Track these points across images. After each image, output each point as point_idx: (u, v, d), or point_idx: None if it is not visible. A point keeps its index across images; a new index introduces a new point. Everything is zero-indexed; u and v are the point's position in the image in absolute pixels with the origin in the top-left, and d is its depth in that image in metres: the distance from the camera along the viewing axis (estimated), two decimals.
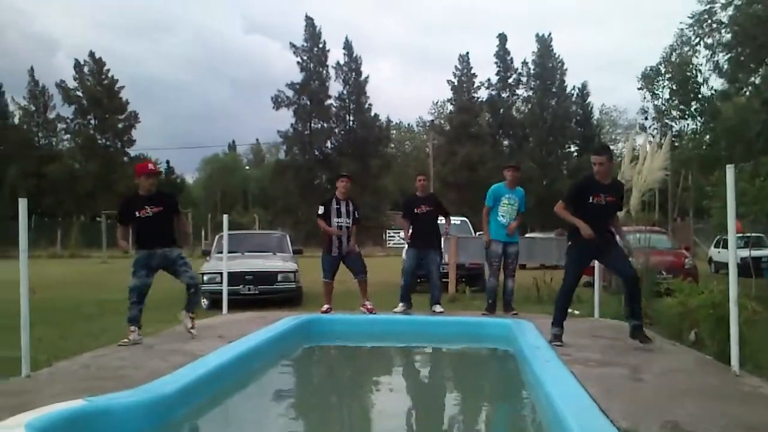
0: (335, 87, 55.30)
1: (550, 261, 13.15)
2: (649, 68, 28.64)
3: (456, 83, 57.29)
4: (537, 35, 56.95)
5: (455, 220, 15.94)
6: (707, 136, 21.45)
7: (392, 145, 66.52)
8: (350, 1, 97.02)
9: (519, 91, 57.75)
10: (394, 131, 68.44)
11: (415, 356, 7.64)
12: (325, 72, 54.95)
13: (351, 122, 55.58)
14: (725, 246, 15.28)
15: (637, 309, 6.26)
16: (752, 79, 19.65)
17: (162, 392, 4.22)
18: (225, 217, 9.57)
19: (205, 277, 11.20)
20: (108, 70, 56.16)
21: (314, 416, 5.02)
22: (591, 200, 6.17)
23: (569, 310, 9.82)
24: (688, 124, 26.09)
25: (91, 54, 56.02)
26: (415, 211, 8.87)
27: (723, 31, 21.40)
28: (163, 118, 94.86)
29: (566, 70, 56.55)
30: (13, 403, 3.95)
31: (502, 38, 56.82)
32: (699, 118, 24.73)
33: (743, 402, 4.23)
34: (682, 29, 24.38)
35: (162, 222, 6.64)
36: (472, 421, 4.89)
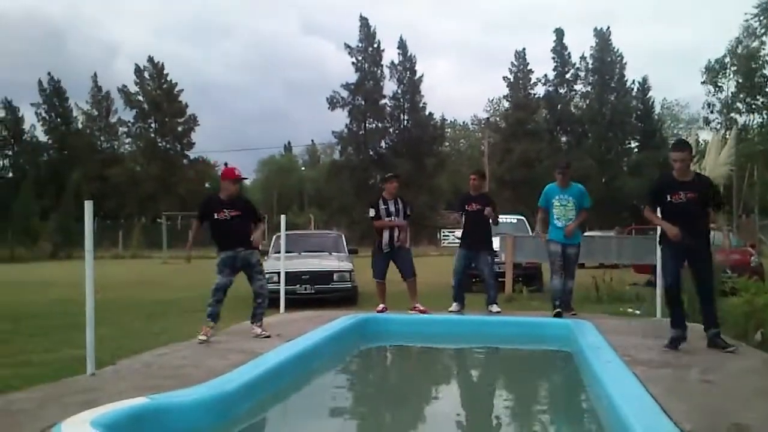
0: (390, 86, 55.50)
1: (609, 260, 12.91)
2: (713, 61, 27.91)
3: (512, 80, 56.82)
4: (595, 29, 56.06)
5: (512, 218, 15.81)
6: None
7: (447, 144, 66.36)
8: (404, 0, 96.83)
9: (577, 87, 56.97)
10: (449, 130, 68.25)
11: (472, 357, 7.57)
12: (379, 72, 55.15)
13: (405, 121, 55.61)
14: None
15: (711, 316, 5.90)
16: None
17: (222, 390, 4.27)
18: (282, 217, 9.65)
19: None
20: (167, 74, 57.69)
21: (370, 416, 5.02)
22: (670, 199, 5.86)
23: (629, 310, 9.70)
24: (754, 118, 25.34)
25: (150, 59, 57.53)
26: (466, 208, 8.76)
27: None
28: (221, 120, 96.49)
29: (626, 64, 55.55)
30: (79, 400, 4.05)
31: (560, 33, 56.09)
32: (766, 111, 23.97)
33: None
34: (748, 20, 23.68)
35: (238, 226, 6.72)
36: (531, 423, 4.81)
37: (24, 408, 4.00)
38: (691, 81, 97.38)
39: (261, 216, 7.29)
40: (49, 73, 57.67)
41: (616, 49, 55.57)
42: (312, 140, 78.81)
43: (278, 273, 9.50)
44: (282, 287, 9.04)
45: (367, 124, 55.05)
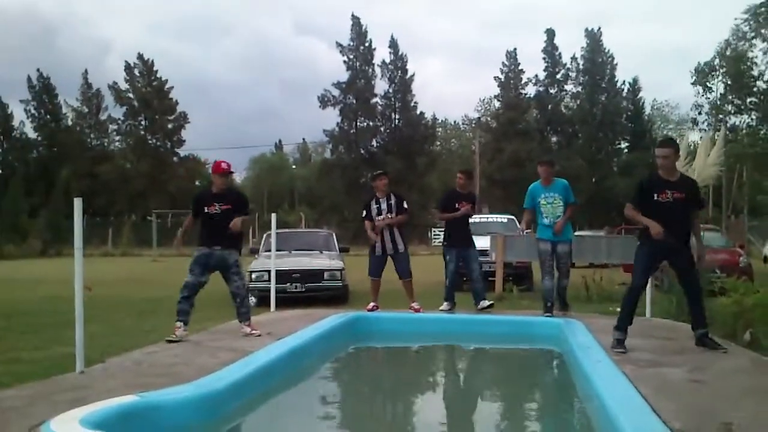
0: (381, 85, 55.46)
1: (599, 260, 12.96)
2: (702, 63, 28.10)
3: (503, 79, 56.84)
4: (586, 30, 56.14)
5: (502, 218, 15.85)
6: (763, 131, 20.92)
7: (438, 143, 66.39)
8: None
9: (568, 87, 57.03)
10: (440, 129, 68.29)
11: (463, 356, 7.59)
12: (371, 71, 55.15)
13: (397, 120, 55.59)
14: None
15: (699, 315, 5.88)
16: None
17: (212, 388, 4.27)
18: (273, 215, 9.65)
19: (254, 275, 11.34)
20: (157, 72, 57.45)
21: (360, 414, 5.03)
22: (656, 198, 5.82)
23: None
24: (743, 119, 25.53)
25: (140, 56, 57.35)
26: (456, 206, 8.77)
27: None
28: (211, 118, 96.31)
29: (616, 65, 55.65)
30: (68, 398, 4.04)
31: (550, 33, 56.17)
32: (755, 112, 24.14)
33: None
34: (738, 25, 23.86)
35: (227, 219, 6.61)
36: (521, 422, 4.83)
37: (13, 405, 3.98)
38: (682, 82, 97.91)
39: (249, 211, 7.19)
40: (38, 70, 57.45)
41: (606, 50, 55.74)
42: (303, 138, 78.78)
43: (269, 271, 9.50)
44: (272, 285, 9.04)
45: (358, 123, 55.02)
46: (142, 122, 57.32)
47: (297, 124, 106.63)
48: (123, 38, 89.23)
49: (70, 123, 58.61)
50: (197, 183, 55.28)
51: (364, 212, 8.80)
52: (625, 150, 55.85)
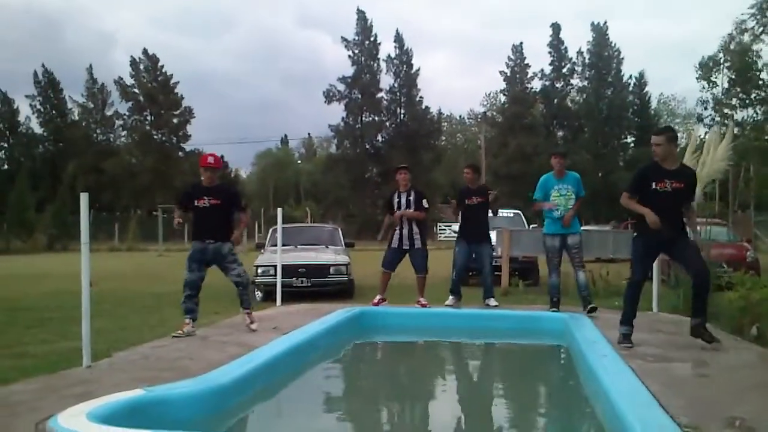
0: (386, 80, 55.58)
1: (605, 254, 12.92)
2: (706, 58, 27.97)
3: (509, 74, 56.77)
4: (592, 24, 56.11)
5: (508, 212, 15.80)
6: None
7: (443, 138, 66.33)
8: None
9: (574, 81, 57.03)
10: (446, 124, 68.19)
11: (468, 351, 7.59)
12: (376, 65, 55.18)
13: (402, 115, 55.59)
14: None
15: (700, 306, 5.77)
16: None
17: (218, 382, 4.28)
18: (279, 210, 9.67)
19: (259, 270, 11.36)
20: (162, 67, 57.52)
21: (365, 409, 5.03)
22: (655, 187, 5.74)
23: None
24: (749, 114, 25.41)
25: (145, 51, 57.41)
26: (466, 202, 8.75)
27: None
28: (217, 113, 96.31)
29: (623, 59, 55.59)
30: (75, 393, 4.05)
31: (556, 28, 56.10)
32: (760, 106, 24.03)
33: None
34: (744, 20, 23.74)
35: (218, 215, 6.64)
36: (527, 417, 4.82)
37: (21, 400, 4.00)
38: (689, 76, 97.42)
39: (244, 206, 7.15)
40: (43, 65, 57.66)
41: (613, 44, 55.66)
42: (309, 133, 78.81)
43: (275, 266, 9.51)
44: (278, 280, 9.05)
45: (363, 118, 55.05)
46: (148, 117, 57.42)
47: (302, 118, 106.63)
48: (127, 33, 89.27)
49: (75, 118, 58.76)
50: (203, 178, 55.27)
51: (388, 205, 8.79)
52: (632, 144, 55.78)
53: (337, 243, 13.65)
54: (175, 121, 57.54)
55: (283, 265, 9.33)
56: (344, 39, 55.16)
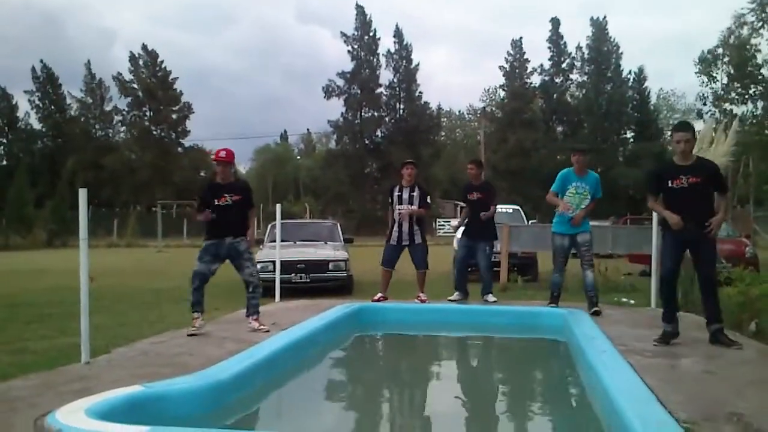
0: (386, 75, 55.48)
1: (604, 250, 12.92)
2: (705, 52, 27.93)
3: (508, 69, 56.68)
4: (591, 19, 56.03)
5: (507, 208, 15.81)
6: None
7: (443, 133, 66.28)
8: None
9: (573, 76, 56.99)
10: (445, 119, 68.15)
11: (467, 346, 7.59)
12: (375, 60, 55.07)
13: (401, 111, 55.52)
14: None
15: (711, 310, 5.67)
16: None
17: (217, 378, 4.28)
18: (278, 206, 9.65)
19: (258, 266, 11.28)
20: (162, 62, 57.46)
21: (365, 405, 5.03)
22: (670, 185, 5.62)
23: (624, 300, 9.72)
24: (748, 109, 25.36)
25: (144, 47, 57.39)
26: (468, 197, 8.74)
27: None
28: (216, 109, 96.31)
29: (622, 54, 55.56)
30: (74, 389, 4.06)
31: (556, 23, 56.00)
32: (759, 101, 23.99)
33: None
34: (743, 14, 23.69)
35: (238, 211, 6.54)
36: (524, 413, 4.83)
37: (19, 395, 4.00)
38: (688, 70, 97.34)
39: (253, 204, 6.99)
40: (41, 61, 57.63)
41: (612, 39, 55.60)
42: (308, 129, 78.83)
43: (273, 262, 9.51)
44: (277, 276, 9.05)
45: (362, 113, 54.98)
46: (147, 113, 57.31)
47: (301, 114, 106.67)
48: (126, 28, 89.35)
49: (74, 114, 58.67)
50: (202, 173, 55.37)
51: (389, 199, 8.78)
52: (631, 140, 55.75)
53: (336, 239, 13.66)
54: (174, 116, 57.45)
55: (282, 261, 9.32)
56: (343, 34, 55.18)
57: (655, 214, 8.43)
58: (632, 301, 9.52)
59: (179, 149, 58.32)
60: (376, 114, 55.34)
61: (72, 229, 31.18)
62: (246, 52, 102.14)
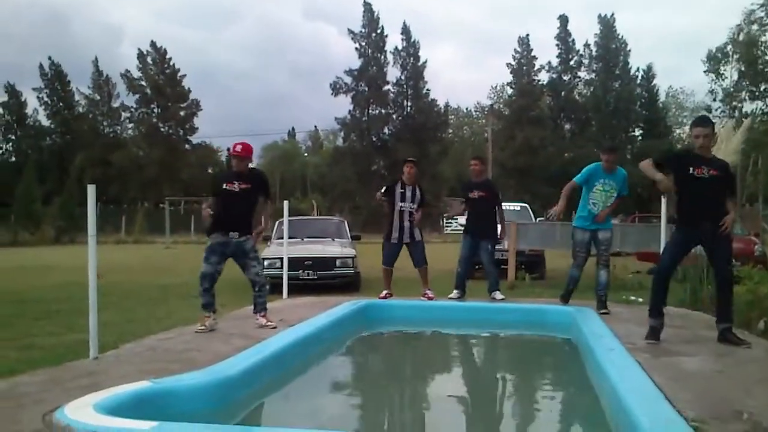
0: (393, 72, 55.42)
1: (612, 248, 12.87)
2: (714, 49, 27.82)
3: (515, 66, 56.55)
4: (599, 16, 55.84)
5: (515, 206, 15.77)
6: None
7: (450, 131, 66.19)
8: None
9: (581, 74, 56.81)
10: (452, 116, 68.03)
11: (474, 344, 7.57)
12: (383, 57, 55.04)
13: (409, 108, 55.48)
14: None
15: (723, 309, 5.66)
16: None
17: (225, 374, 4.28)
18: (285, 203, 9.66)
19: (266, 262, 11.35)
20: (170, 59, 57.58)
21: (371, 401, 5.03)
22: (693, 172, 5.54)
23: (632, 298, 9.68)
24: (758, 106, 25.27)
25: (153, 44, 57.51)
26: (469, 195, 8.73)
27: None
28: (224, 106, 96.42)
29: (630, 51, 55.29)
30: (82, 384, 4.07)
31: (563, 20, 55.88)
32: None
33: None
34: (753, 10, 23.60)
35: (245, 201, 6.41)
36: (532, 411, 4.81)
37: (27, 391, 4.02)
38: (697, 68, 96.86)
39: (271, 193, 6.89)
40: (49, 58, 57.88)
41: (620, 36, 55.38)
42: (315, 126, 78.82)
43: (281, 258, 9.52)
44: (285, 273, 9.05)
45: (370, 111, 54.97)
46: (155, 110, 57.49)
47: (309, 111, 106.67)
48: (131, 25, 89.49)
49: (82, 110, 58.89)
50: (209, 170, 55.53)
51: (384, 189, 8.75)
52: (639, 138, 55.49)
53: (344, 236, 13.65)
54: (182, 113, 57.65)
55: (289, 258, 9.34)
56: (351, 31, 55.17)
57: (663, 212, 8.44)
58: (640, 299, 9.46)
59: (187, 146, 58.52)
60: (383, 111, 55.32)
61: (80, 225, 31.25)
62: (253, 50, 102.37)
